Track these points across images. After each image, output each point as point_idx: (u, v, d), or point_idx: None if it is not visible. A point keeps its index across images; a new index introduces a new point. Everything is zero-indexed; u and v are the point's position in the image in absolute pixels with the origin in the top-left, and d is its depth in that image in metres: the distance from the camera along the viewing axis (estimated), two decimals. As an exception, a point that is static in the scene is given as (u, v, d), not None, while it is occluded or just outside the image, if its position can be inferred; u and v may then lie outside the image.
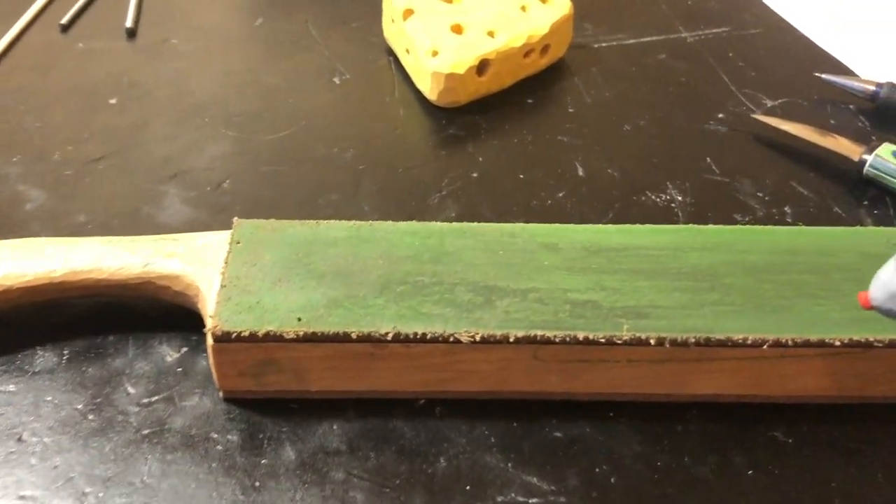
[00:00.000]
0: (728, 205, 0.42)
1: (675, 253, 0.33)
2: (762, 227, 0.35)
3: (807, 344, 0.30)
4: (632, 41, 0.54)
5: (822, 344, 0.30)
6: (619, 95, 0.49)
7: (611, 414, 0.31)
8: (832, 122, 0.48)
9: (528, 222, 0.35)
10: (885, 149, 0.43)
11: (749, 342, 0.30)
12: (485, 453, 0.30)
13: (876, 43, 0.56)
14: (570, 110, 0.48)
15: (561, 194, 0.42)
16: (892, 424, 0.32)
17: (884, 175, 0.42)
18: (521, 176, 0.43)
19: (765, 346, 0.30)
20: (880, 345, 0.30)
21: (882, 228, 0.36)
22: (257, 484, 0.29)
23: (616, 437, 0.31)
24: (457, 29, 0.47)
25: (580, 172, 0.43)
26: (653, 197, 0.42)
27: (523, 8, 0.49)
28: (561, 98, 0.49)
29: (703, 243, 0.34)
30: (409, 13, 0.48)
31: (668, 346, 0.30)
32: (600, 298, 0.31)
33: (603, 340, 0.30)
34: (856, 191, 0.43)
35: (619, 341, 0.30)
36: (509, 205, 0.41)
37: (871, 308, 0.26)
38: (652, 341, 0.30)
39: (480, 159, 0.44)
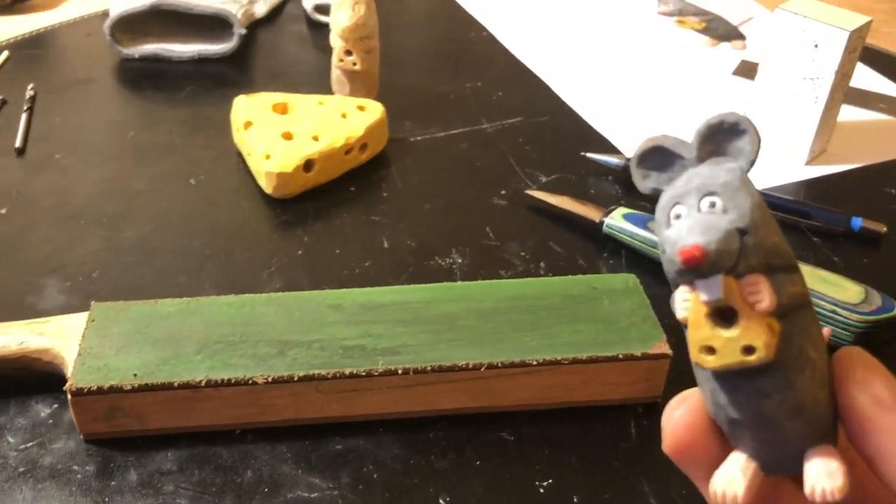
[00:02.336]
0: (496, 264, 0.53)
1: (428, 305, 0.45)
2: (495, 281, 0.47)
3: (513, 365, 0.41)
4: (441, 134, 0.67)
5: (524, 364, 0.41)
6: (425, 180, 0.61)
7: (381, 429, 0.42)
8: (592, 191, 0.61)
9: (337, 289, 0.46)
10: (617, 212, 0.55)
11: (471, 367, 0.41)
12: (282, 465, 0.40)
13: (635, 122, 0.69)
14: (385, 194, 0.60)
15: (367, 263, 0.53)
16: (586, 421, 0.43)
17: (616, 233, 0.54)
18: (337, 251, 0.54)
19: (482, 369, 0.41)
20: (566, 362, 0.42)
21: (586, 276, 0.48)
22: (107, 500, 0.38)
23: (382, 446, 0.41)
24: (287, 136, 0.59)
25: (385, 245, 0.55)
26: (440, 261, 0.53)
27: (343, 115, 0.61)
28: (378, 185, 0.60)
29: (450, 296, 0.45)
30: (248, 124, 0.60)
31: (412, 374, 0.41)
32: (366, 343, 0.42)
33: (364, 374, 0.41)
34: (598, 246, 0.55)
35: (376, 373, 0.41)
36: (325, 275, 0.52)
37: (704, 260, 0.20)
38: (400, 371, 0.41)
39: (306, 239, 0.55)
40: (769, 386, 0.21)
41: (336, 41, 0.65)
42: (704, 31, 0.84)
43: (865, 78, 0.77)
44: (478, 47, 0.81)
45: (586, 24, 0.85)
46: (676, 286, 0.22)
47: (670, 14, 0.87)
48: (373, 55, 0.66)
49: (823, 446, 0.22)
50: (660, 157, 0.23)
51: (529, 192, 0.59)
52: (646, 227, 0.53)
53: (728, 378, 0.21)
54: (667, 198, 0.22)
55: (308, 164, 0.58)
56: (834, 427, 0.22)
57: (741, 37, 0.83)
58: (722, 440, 0.23)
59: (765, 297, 0.20)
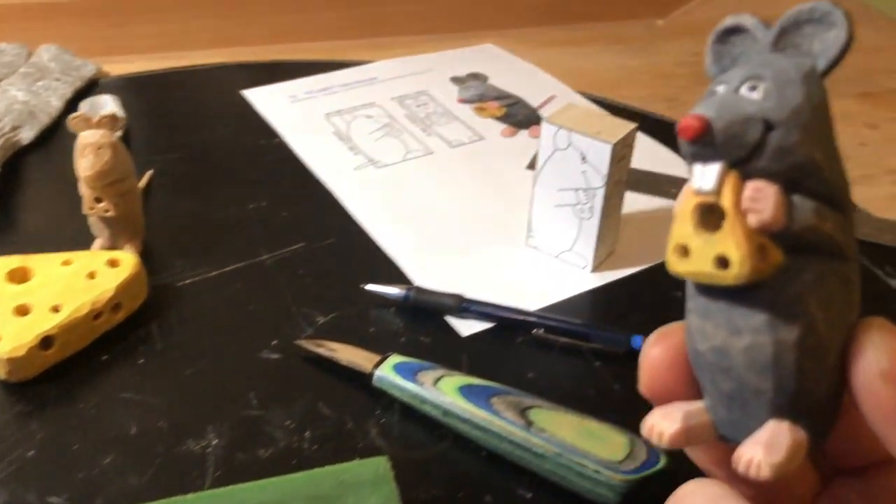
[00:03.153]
0: (257, 441, 0.49)
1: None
2: (229, 488, 0.42)
3: None
4: (214, 273, 0.62)
5: None
6: (189, 337, 0.56)
7: None
8: (372, 329, 0.57)
9: (69, 498, 0.40)
10: (389, 361, 0.52)
11: None
12: None
13: (423, 238, 0.66)
14: (140, 361, 0.54)
15: (108, 459, 0.48)
16: None
17: (386, 387, 0.51)
18: (76, 447, 0.48)
19: None
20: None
21: (335, 468, 0.44)
22: None
23: None
24: (22, 310, 0.53)
25: (133, 430, 0.49)
26: (193, 445, 0.49)
27: (91, 275, 0.56)
28: (134, 350, 0.55)
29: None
30: (-24, 301, 0.54)
31: None
32: None
33: None
34: (372, 400, 0.51)
35: None
36: (55, 482, 0.46)
37: (704, 134, 0.18)
38: None
39: (40, 436, 0.49)
40: (742, 321, 0.17)
41: (84, 189, 0.59)
42: (504, 117, 0.82)
43: (658, 157, 0.77)
44: (267, 157, 0.77)
45: (385, 118, 0.82)
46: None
47: (470, 101, 0.85)
48: (130, 196, 0.61)
49: (790, 424, 0.17)
50: (740, 40, 0.20)
51: (300, 342, 0.55)
52: (415, 380, 0.50)
53: (703, 297, 0.19)
54: (715, 78, 0.19)
55: (46, 341, 0.52)
56: (824, 414, 0.17)
57: (539, 121, 0.82)
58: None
59: (766, 208, 0.17)
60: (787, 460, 0.16)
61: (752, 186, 0.17)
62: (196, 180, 0.73)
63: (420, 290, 0.58)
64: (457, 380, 0.50)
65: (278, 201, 0.70)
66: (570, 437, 0.45)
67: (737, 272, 0.17)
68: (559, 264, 0.63)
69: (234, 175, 0.74)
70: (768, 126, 0.17)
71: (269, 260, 0.63)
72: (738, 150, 0.17)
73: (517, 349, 0.56)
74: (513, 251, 0.64)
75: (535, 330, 0.56)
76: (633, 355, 0.55)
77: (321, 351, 0.54)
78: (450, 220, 0.68)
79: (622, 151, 0.58)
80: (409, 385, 0.50)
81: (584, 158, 0.58)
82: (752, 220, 0.17)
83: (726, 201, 0.17)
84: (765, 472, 0.16)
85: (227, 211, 0.69)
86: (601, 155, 0.57)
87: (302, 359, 0.54)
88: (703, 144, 0.18)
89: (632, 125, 0.58)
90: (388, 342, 0.56)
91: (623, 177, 0.60)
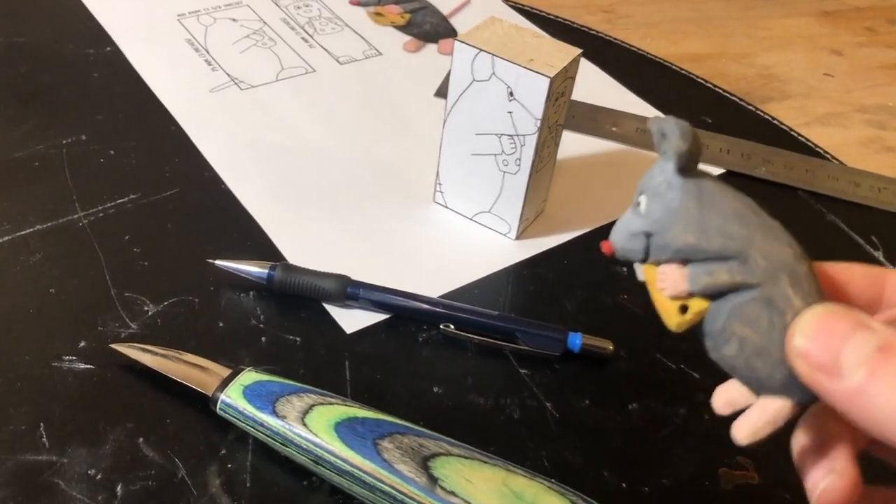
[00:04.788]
0: (42, 501, 0.34)
1: None
2: None
3: None
4: (6, 238, 0.45)
5: None
6: (-43, 336, 0.40)
7: None
8: (222, 324, 0.42)
9: None
10: (240, 381, 0.37)
11: None
12: None
13: (295, 195, 0.51)
14: None
15: None
16: None
17: (236, 419, 0.36)
18: None
19: None
20: None
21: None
22: None
23: None
24: None
25: None
26: (-57, 514, 0.33)
27: None
28: None
29: None
30: None
31: None
32: None
33: None
34: (215, 438, 0.37)
35: None
36: None
37: (614, 254, 0.26)
38: None
39: None
40: (708, 344, 0.24)
41: None
42: (407, 27, 0.66)
43: (596, 85, 0.63)
44: (93, 73, 0.58)
45: (254, 23, 0.64)
46: None
47: (366, 3, 0.68)
48: None
49: (771, 398, 0.23)
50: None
51: (117, 345, 0.39)
52: (274, 411, 0.36)
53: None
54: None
55: None
56: (796, 385, 0.22)
57: (452, 33, 0.66)
58: None
59: (668, 287, 0.24)
60: (764, 424, 0.23)
61: (659, 271, 0.24)
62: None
63: (289, 267, 0.43)
64: (333, 412, 0.36)
65: (102, 136, 0.52)
66: (489, 502, 0.32)
67: (669, 326, 0.24)
68: (474, 230, 0.49)
69: (43, 97, 0.55)
70: (648, 234, 0.24)
71: (82, 220, 0.46)
72: (637, 256, 0.25)
73: (418, 351, 0.42)
74: (415, 212, 0.50)
75: (442, 325, 0.43)
76: (571, 359, 0.42)
77: (147, 359, 0.38)
78: (334, 166, 0.53)
79: (562, 86, 0.43)
80: (265, 418, 0.35)
81: (511, 94, 0.43)
82: (666, 293, 0.24)
83: (650, 286, 0.25)
84: (742, 434, 0.23)
85: (28, 148, 0.51)
86: (535, 92, 0.42)
87: (119, 370, 0.39)
88: (616, 259, 0.25)
89: (575, 51, 0.44)
90: (243, 344, 0.41)
91: (561, 119, 0.46)
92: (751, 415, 0.23)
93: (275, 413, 0.36)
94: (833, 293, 0.24)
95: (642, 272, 0.25)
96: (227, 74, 0.59)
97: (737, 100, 0.63)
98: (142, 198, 0.48)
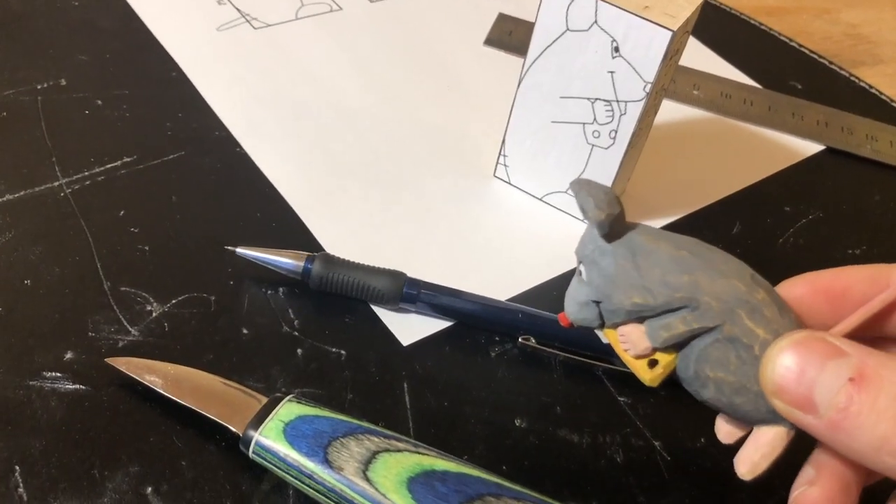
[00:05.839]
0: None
1: None
2: None
3: None
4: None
5: None
6: None
7: None
8: (245, 331, 0.33)
9: None
10: (279, 416, 0.28)
11: None
12: None
13: (333, 170, 0.42)
14: None
15: None
16: None
17: (275, 467, 0.28)
18: None
19: None
20: None
21: None
22: None
23: None
24: None
25: None
26: None
27: None
28: None
29: None
30: None
31: None
32: None
33: None
34: (246, 485, 0.29)
35: None
36: None
37: (571, 324, 0.25)
38: None
39: None
40: (689, 391, 0.24)
41: None
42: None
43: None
44: (77, 6, 0.47)
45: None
46: None
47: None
48: None
49: (765, 427, 0.23)
50: None
51: (112, 360, 0.31)
52: (326, 458, 0.27)
53: None
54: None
55: None
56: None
57: (498, -30, 0.56)
58: None
59: (630, 348, 0.24)
60: (761, 459, 0.23)
61: (619, 333, 0.24)
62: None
63: (331, 259, 0.35)
64: (404, 462, 0.27)
65: (87, 81, 0.42)
66: None
67: (644, 382, 0.24)
68: (545, 213, 0.40)
69: (11, 29, 0.45)
70: (597, 301, 0.24)
71: (63, 189, 0.37)
72: (594, 323, 0.24)
73: (491, 370, 0.34)
74: (472, 190, 0.41)
75: (522, 337, 0.34)
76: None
77: (154, 380, 0.30)
78: (372, 130, 0.43)
79: (679, 42, 0.35)
80: (316, 469, 0.27)
81: (616, 50, 0.34)
82: (630, 353, 0.24)
83: (614, 347, 0.24)
84: (743, 470, 0.24)
85: (6, 88, 0.41)
86: (650, 48, 0.33)
87: (118, 391, 0.30)
88: (574, 328, 0.25)
89: (696, 0, 0.35)
90: (275, 358, 0.32)
91: (668, 83, 0.37)
92: (748, 449, 0.23)
93: (327, 462, 0.27)
94: (831, 304, 0.24)
95: (604, 336, 0.25)
96: (237, 10, 0.49)
97: (826, 62, 0.55)
98: (138, 162, 0.39)
